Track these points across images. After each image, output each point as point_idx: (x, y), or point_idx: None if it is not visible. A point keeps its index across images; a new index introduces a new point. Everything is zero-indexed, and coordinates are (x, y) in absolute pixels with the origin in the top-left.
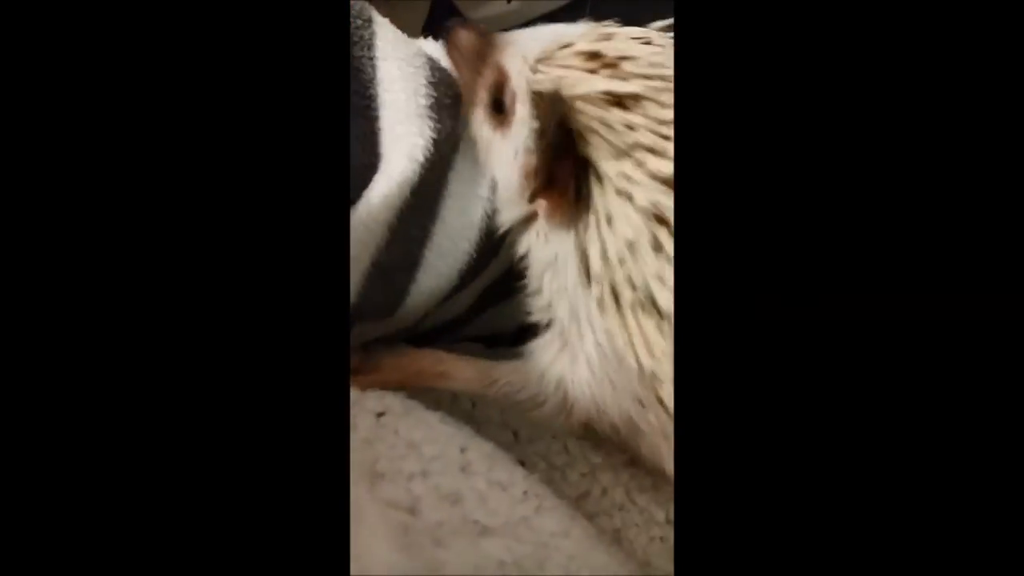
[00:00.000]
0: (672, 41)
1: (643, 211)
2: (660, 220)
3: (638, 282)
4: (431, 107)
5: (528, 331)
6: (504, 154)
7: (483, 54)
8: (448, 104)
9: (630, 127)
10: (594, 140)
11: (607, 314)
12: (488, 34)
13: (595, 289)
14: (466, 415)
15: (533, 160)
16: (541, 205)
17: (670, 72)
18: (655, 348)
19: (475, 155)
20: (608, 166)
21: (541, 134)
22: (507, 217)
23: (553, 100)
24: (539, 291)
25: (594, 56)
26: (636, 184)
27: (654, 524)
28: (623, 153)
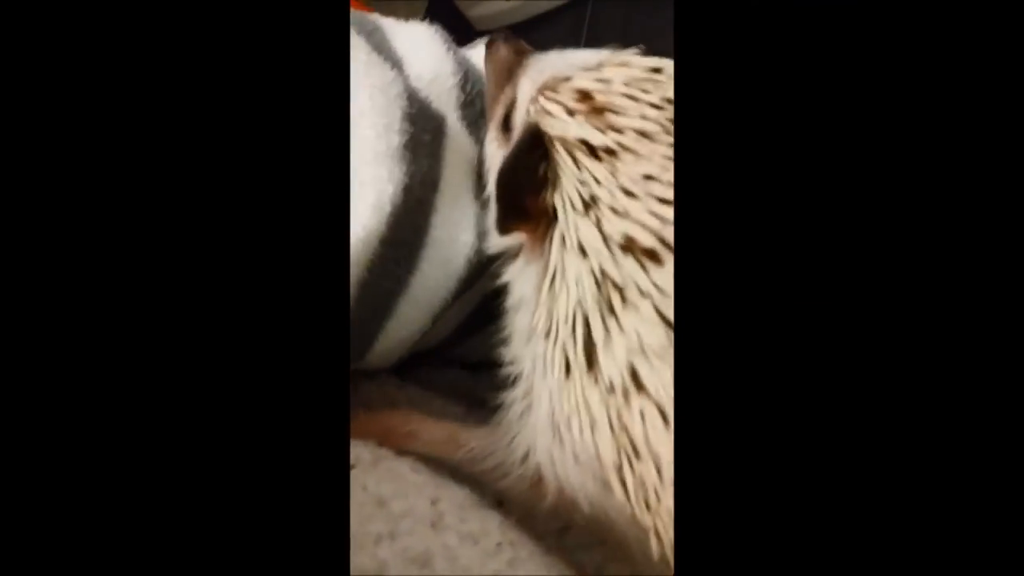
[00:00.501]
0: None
1: (595, 272)
2: (614, 285)
3: (581, 347)
4: (406, 145)
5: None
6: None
7: (512, 71)
8: (427, 141)
9: (597, 180)
10: (563, 185)
11: (557, 379)
12: (524, 52)
13: (549, 346)
14: None
15: (503, 178)
16: (523, 238)
17: (654, 128)
18: (598, 425)
19: (460, 196)
20: (571, 217)
21: (513, 155)
22: (495, 242)
23: (534, 135)
24: (509, 337)
25: (585, 97)
26: (591, 244)
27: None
28: (587, 206)
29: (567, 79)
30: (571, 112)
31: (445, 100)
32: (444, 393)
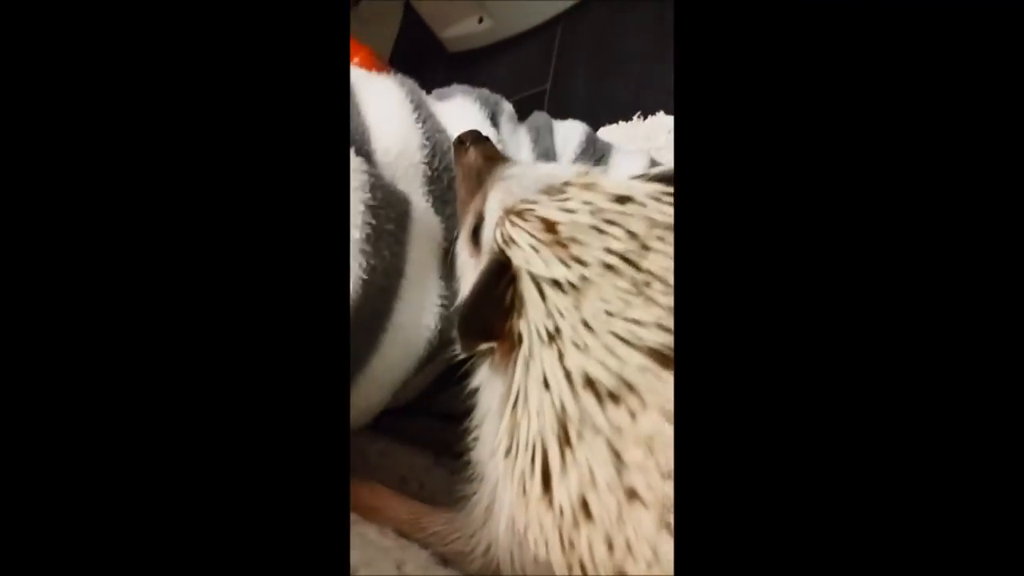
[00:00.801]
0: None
1: (554, 406)
2: (571, 419)
3: (538, 474)
4: (367, 239)
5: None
6: (471, 284)
7: (481, 178)
8: (390, 230)
9: (560, 312)
10: (528, 313)
11: (515, 494)
12: (494, 158)
13: (507, 465)
14: (414, 497)
15: (466, 310)
16: (494, 345)
17: (617, 262)
18: (551, 543)
19: (425, 279)
20: (535, 346)
21: (478, 288)
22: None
23: (501, 263)
24: (476, 441)
25: (551, 227)
26: (554, 378)
27: None
28: (551, 337)
29: (533, 206)
30: (537, 244)
31: (412, 177)
32: (413, 443)
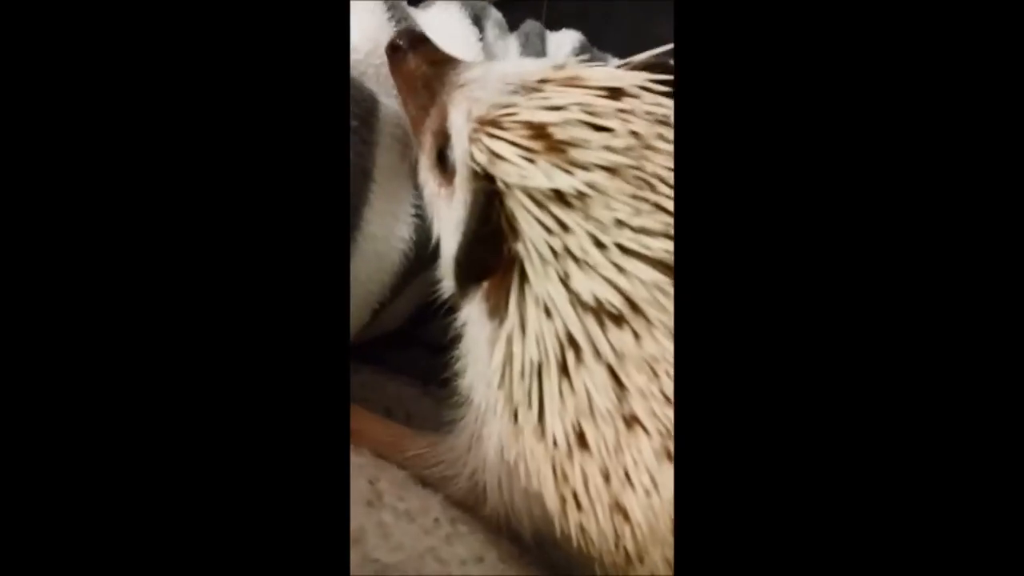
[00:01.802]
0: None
1: (556, 332)
2: (572, 343)
3: (534, 403)
4: None
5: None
6: (447, 221)
7: (432, 88)
8: (355, 127)
9: (564, 227)
10: (525, 235)
11: (506, 425)
12: (441, 61)
13: (499, 394)
14: None
15: (463, 254)
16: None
17: (622, 162)
18: (543, 475)
19: (395, 187)
20: (533, 272)
21: (471, 226)
22: (448, 285)
23: (485, 186)
24: (463, 371)
25: (540, 133)
26: (555, 302)
27: None
28: (552, 257)
29: (509, 109)
30: (528, 154)
31: (383, 77)
32: (400, 373)
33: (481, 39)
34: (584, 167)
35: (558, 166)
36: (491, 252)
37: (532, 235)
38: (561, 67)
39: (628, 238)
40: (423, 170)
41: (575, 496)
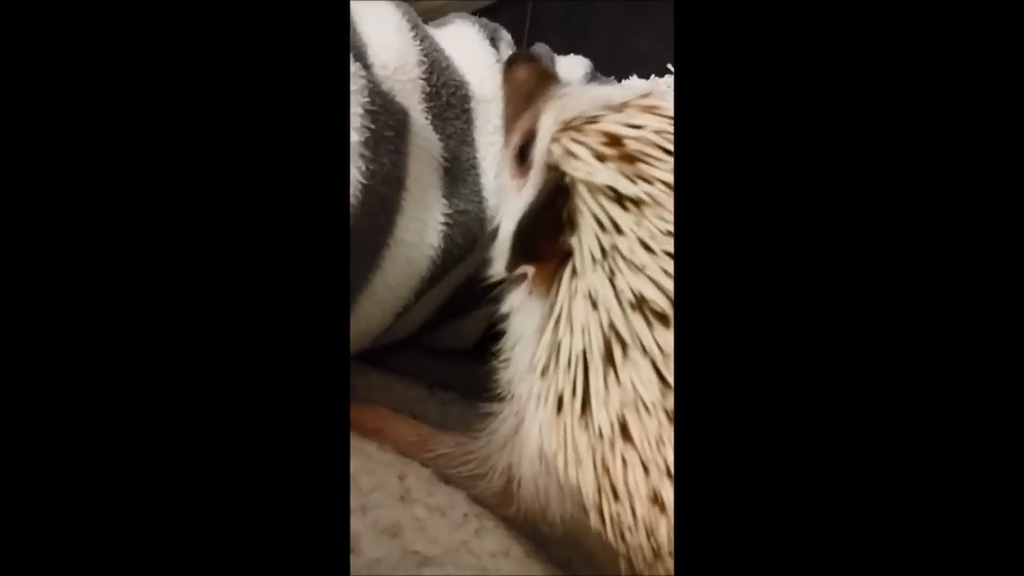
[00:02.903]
0: None
1: (602, 325)
2: (618, 337)
3: (579, 392)
4: (366, 143)
5: (492, 396)
6: (513, 208)
7: (533, 97)
8: (389, 136)
9: (618, 228)
10: (582, 230)
11: (548, 415)
12: (547, 78)
13: (543, 384)
14: None
15: (521, 228)
16: (530, 271)
17: None
18: (583, 465)
19: (426, 195)
20: (585, 265)
21: (535, 207)
22: (498, 268)
23: (556, 177)
24: (507, 362)
25: (615, 141)
26: (603, 297)
27: None
28: (603, 255)
29: (594, 120)
30: (600, 157)
31: (410, 92)
32: (405, 375)
33: (498, 60)
34: (648, 180)
35: (624, 173)
36: (545, 236)
37: (588, 231)
38: (646, 95)
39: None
40: (505, 161)
41: (613, 487)
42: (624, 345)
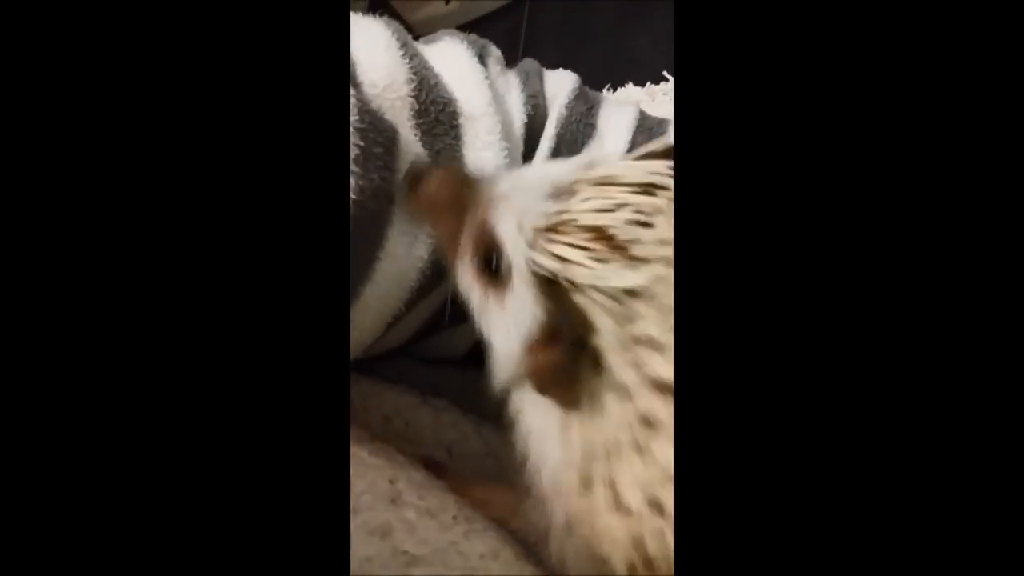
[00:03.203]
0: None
1: (635, 414)
2: (648, 422)
3: (608, 480)
4: (355, 160)
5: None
6: (500, 323)
7: (464, 203)
8: (379, 153)
9: (639, 315)
10: (599, 330)
11: (578, 501)
12: (467, 178)
13: (572, 475)
14: (399, 436)
15: (537, 345)
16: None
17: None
18: (615, 542)
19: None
20: (612, 358)
21: (548, 325)
22: (501, 378)
23: (561, 291)
24: (525, 457)
25: (601, 235)
26: (633, 386)
27: None
28: (627, 345)
29: (564, 216)
30: (599, 255)
31: (399, 109)
32: (397, 383)
33: (487, 77)
34: (646, 260)
35: (627, 265)
36: (553, 347)
37: (606, 328)
38: (591, 166)
39: None
40: (465, 278)
41: (645, 558)
42: (654, 427)
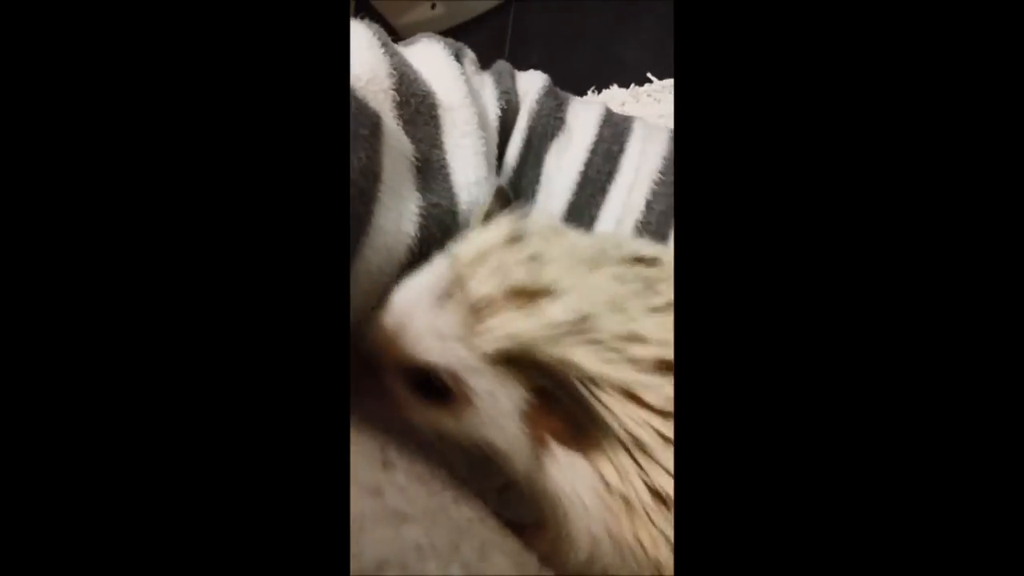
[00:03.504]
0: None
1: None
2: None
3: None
4: None
5: None
6: (481, 428)
7: (378, 359)
8: (364, 135)
9: (600, 327)
10: (580, 362)
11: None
12: (389, 329)
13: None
14: None
15: (540, 415)
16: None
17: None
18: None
19: (402, 190)
20: (599, 388)
21: (533, 393)
22: (519, 467)
23: (523, 358)
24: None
25: (515, 291)
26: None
27: None
28: (610, 360)
29: (473, 303)
30: (529, 307)
31: (382, 100)
32: None
33: (463, 73)
34: (564, 287)
35: (550, 298)
36: (550, 408)
37: (583, 357)
38: (455, 258)
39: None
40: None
41: None
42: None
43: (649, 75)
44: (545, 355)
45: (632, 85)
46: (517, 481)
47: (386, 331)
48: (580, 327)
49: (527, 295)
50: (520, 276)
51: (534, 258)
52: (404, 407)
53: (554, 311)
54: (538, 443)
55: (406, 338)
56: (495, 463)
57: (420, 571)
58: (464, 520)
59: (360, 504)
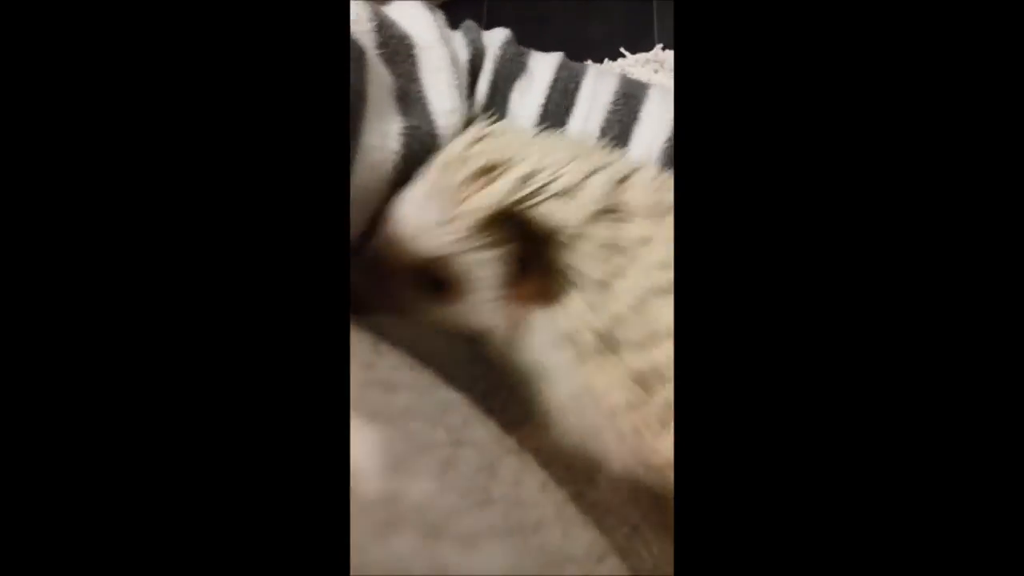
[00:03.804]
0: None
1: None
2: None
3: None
4: None
5: None
6: (468, 314)
7: (390, 264)
8: (352, 58)
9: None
10: (558, 224)
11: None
12: (391, 235)
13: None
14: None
15: (518, 282)
16: (516, 299)
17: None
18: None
19: (386, 113)
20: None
21: (513, 259)
22: (498, 343)
23: (506, 222)
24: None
25: (485, 170)
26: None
27: None
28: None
29: (458, 180)
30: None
31: (364, 39)
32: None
33: (435, 21)
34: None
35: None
36: (529, 271)
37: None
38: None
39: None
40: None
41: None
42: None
43: (622, 49)
44: (516, 211)
45: (605, 60)
46: (495, 361)
47: (389, 238)
48: (542, 178)
49: (494, 168)
50: (488, 158)
51: (499, 143)
52: (410, 310)
53: (517, 171)
54: (516, 314)
55: (405, 240)
56: (479, 344)
57: (406, 429)
58: (449, 398)
59: (352, 375)
